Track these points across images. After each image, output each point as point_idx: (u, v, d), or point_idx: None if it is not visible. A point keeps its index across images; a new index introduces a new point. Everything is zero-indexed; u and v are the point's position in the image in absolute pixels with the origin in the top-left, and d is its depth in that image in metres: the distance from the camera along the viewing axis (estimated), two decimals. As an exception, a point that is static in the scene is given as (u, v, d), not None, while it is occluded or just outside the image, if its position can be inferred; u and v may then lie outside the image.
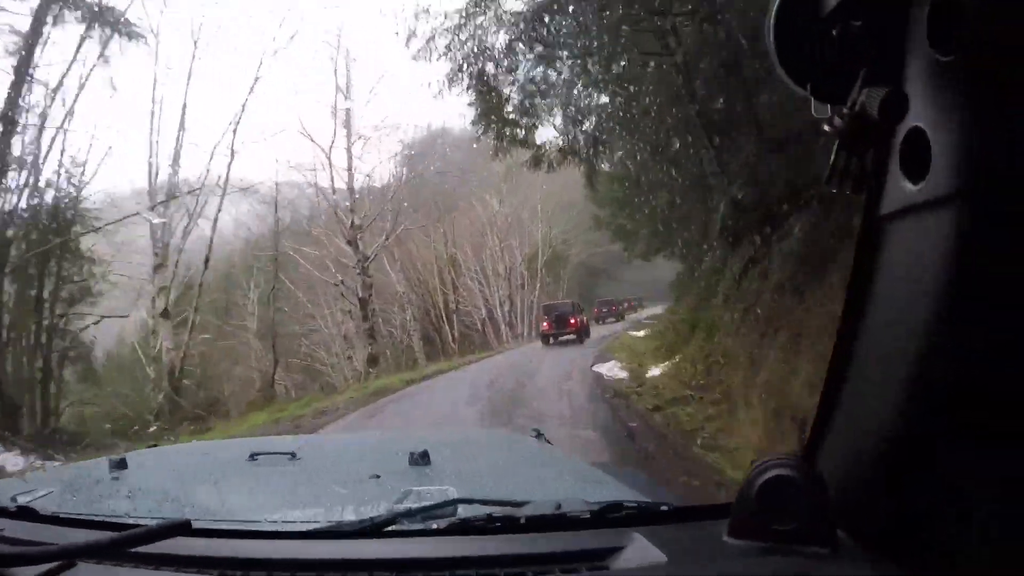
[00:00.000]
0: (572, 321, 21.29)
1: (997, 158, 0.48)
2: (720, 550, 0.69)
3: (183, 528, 0.76)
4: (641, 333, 21.58)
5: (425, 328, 32.55)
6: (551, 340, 21.20)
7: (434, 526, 0.87)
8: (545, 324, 21.63)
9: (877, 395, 0.62)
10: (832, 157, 0.57)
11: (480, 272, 33.42)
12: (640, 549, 0.72)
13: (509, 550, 0.78)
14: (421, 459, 1.23)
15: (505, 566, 0.73)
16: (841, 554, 0.64)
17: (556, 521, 0.85)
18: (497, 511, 0.88)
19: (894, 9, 0.51)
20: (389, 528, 0.87)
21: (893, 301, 0.60)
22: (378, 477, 1.18)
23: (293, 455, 1.35)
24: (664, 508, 0.94)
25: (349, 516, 0.99)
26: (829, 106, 0.57)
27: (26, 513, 0.96)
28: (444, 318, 30.98)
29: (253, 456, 1.34)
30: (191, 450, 1.94)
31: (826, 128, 0.56)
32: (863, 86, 0.53)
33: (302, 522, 0.98)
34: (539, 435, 1.73)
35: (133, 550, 0.76)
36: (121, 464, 1.29)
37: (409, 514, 0.91)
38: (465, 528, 0.86)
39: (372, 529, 0.86)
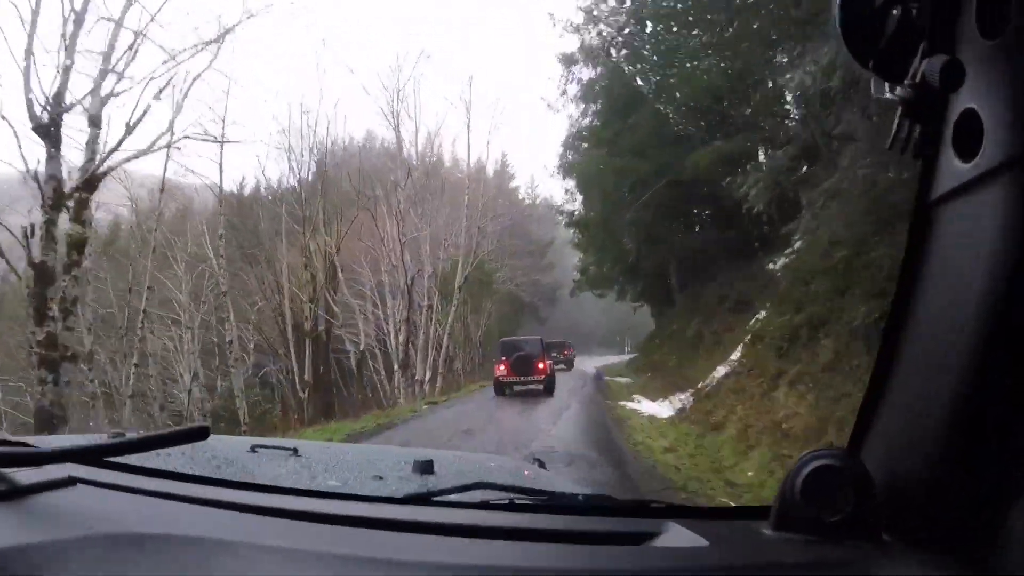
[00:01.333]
0: (539, 365, 15.21)
1: None
2: (762, 540, 0.67)
3: (202, 433, 0.75)
4: (662, 409, 11.41)
5: (286, 363, 21.12)
6: (507, 391, 15.46)
7: (468, 500, 0.88)
8: (503, 366, 15.76)
9: (927, 385, 0.60)
10: (895, 125, 0.59)
11: (373, 289, 22.56)
12: (679, 535, 0.69)
13: (538, 525, 0.77)
14: (425, 467, 1.20)
15: (545, 539, 0.72)
16: (886, 547, 0.62)
17: (584, 509, 0.88)
18: (519, 497, 0.88)
19: None
20: (436, 499, 0.88)
21: (947, 285, 0.58)
22: (381, 479, 1.15)
23: (295, 451, 1.32)
24: (699, 506, 0.94)
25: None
26: (887, 84, 0.60)
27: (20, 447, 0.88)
28: (294, 350, 19.39)
29: (254, 448, 1.31)
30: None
31: (889, 96, 0.59)
32: (923, 58, 0.56)
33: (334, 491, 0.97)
34: (541, 464, 1.65)
35: (140, 484, 0.78)
36: (121, 436, 1.17)
37: (447, 491, 0.92)
38: (496, 507, 0.85)
39: (420, 498, 0.88)
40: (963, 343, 0.55)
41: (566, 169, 21.74)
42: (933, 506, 0.60)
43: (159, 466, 0.94)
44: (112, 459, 0.81)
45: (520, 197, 46.20)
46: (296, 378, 18.65)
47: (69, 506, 0.69)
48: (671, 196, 16.26)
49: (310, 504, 0.79)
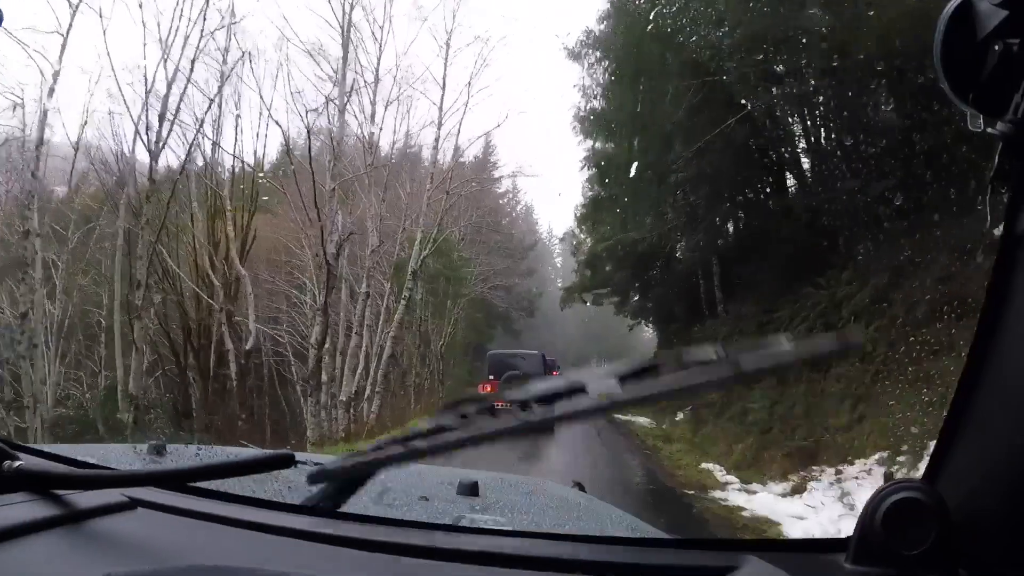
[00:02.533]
0: None
1: None
2: (841, 574, 0.66)
3: (287, 461, 0.75)
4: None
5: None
6: None
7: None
8: (488, 387, 11.52)
9: (1008, 418, 0.60)
10: (996, 159, 0.60)
11: (312, 270, 15.92)
12: (759, 568, 0.68)
13: (611, 558, 0.76)
14: (470, 490, 1.21)
15: (610, 571, 0.71)
16: None
17: (667, 542, 0.85)
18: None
19: None
20: (485, 527, 0.89)
21: None
22: (427, 500, 1.15)
23: None
24: (776, 539, 0.78)
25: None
26: (982, 117, 0.60)
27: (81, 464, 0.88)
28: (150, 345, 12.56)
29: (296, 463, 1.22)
30: (226, 452, 1.61)
31: (989, 131, 0.59)
32: None
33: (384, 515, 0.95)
34: (580, 488, 1.65)
35: (195, 506, 0.76)
36: (160, 450, 1.24)
37: (526, 534, 0.91)
38: (556, 536, 0.85)
39: (471, 527, 0.87)
40: None
41: (600, 51, 14.50)
42: (1011, 540, 0.59)
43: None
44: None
45: (502, 190, 39.71)
46: (131, 383, 11.70)
47: (133, 533, 0.67)
48: (745, 139, 10.14)
49: (377, 533, 0.77)
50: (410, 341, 20.96)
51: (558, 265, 61.86)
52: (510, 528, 0.88)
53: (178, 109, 12.44)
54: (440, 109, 16.60)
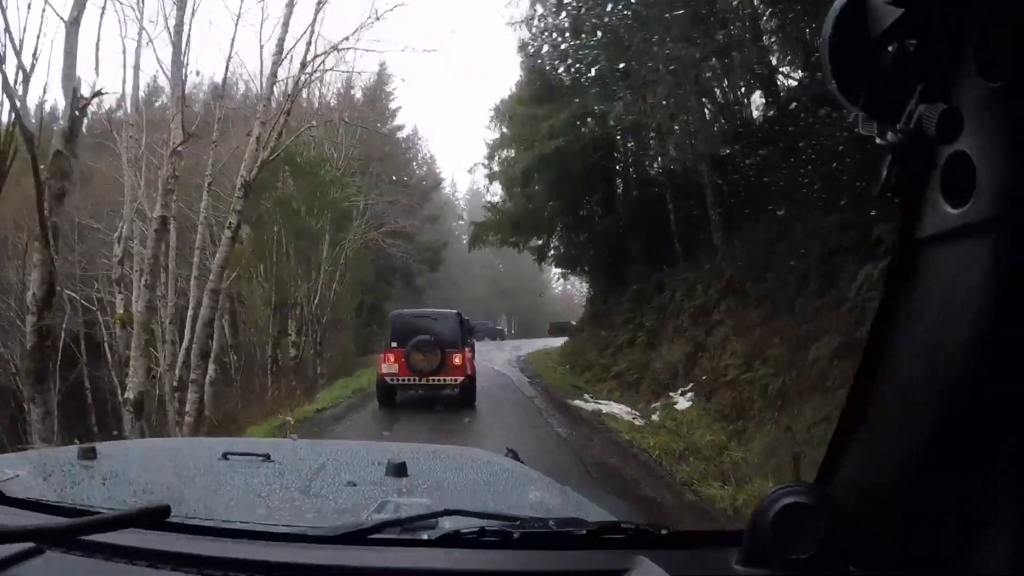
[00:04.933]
0: (454, 358, 9.47)
1: None
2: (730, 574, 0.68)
3: (161, 514, 0.73)
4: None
5: None
6: (398, 395, 9.83)
7: (423, 536, 0.85)
8: (392, 357, 9.51)
9: (900, 425, 0.61)
10: (885, 170, 0.57)
11: None
12: (648, 571, 0.71)
13: (503, 566, 0.77)
14: (398, 470, 1.22)
15: None
16: None
17: (553, 539, 0.84)
18: (490, 524, 0.85)
19: (946, 32, 0.53)
20: (375, 536, 0.85)
21: (925, 328, 0.59)
22: (354, 485, 1.17)
23: (267, 456, 1.31)
24: (667, 532, 0.87)
25: (327, 522, 0.94)
26: (876, 123, 0.57)
27: None
28: None
29: (225, 456, 1.31)
30: (160, 446, 1.79)
31: (879, 141, 0.57)
32: (919, 102, 0.53)
33: (282, 525, 0.94)
34: (514, 455, 1.64)
35: (103, 539, 0.75)
36: (90, 453, 1.26)
37: (396, 523, 0.87)
38: (455, 540, 0.83)
39: (357, 535, 0.84)
40: (939, 384, 0.55)
41: None
42: (901, 538, 0.60)
43: (132, 476, 1.03)
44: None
45: (397, 125, 32.92)
46: None
47: None
48: None
49: (265, 552, 0.78)
50: (260, 301, 14.83)
51: (463, 221, 55.77)
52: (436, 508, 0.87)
53: None
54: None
